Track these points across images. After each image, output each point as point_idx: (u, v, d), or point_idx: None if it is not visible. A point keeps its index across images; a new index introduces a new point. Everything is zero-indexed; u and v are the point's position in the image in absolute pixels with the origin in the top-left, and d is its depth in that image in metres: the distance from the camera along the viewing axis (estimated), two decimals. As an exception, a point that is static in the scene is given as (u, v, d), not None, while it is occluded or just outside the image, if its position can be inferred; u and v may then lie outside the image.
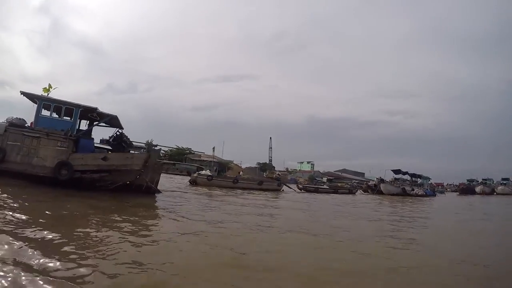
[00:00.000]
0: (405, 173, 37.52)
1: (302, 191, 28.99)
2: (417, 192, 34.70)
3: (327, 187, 35.25)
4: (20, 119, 10.65)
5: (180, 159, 59.11)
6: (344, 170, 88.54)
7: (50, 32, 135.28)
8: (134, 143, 13.69)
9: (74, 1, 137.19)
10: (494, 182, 57.78)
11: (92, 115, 11.35)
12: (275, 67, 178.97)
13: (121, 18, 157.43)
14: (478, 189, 50.59)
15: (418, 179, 40.20)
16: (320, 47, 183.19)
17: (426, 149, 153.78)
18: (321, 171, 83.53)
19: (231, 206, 11.98)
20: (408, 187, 34.89)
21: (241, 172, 35.54)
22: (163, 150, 66.13)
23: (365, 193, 34.39)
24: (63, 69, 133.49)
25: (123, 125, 12.79)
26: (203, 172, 25.08)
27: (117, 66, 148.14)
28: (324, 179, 72.60)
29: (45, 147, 10.18)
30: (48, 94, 11.16)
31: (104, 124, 12.70)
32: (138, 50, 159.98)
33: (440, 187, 60.77)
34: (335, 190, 32.04)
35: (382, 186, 32.89)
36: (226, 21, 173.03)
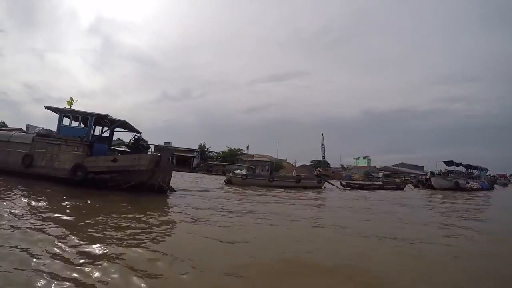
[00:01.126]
0: (458, 165, 33.24)
1: (346, 188, 26.96)
2: (471, 185, 30.34)
3: (379, 183, 32.59)
4: (46, 129, 11.86)
5: (233, 160, 60.77)
6: (402, 164, 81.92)
7: (102, 50, 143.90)
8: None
9: (121, 18, 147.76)
10: None
11: (104, 121, 12.21)
12: (325, 62, 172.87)
13: (168, 28, 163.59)
14: (544, 177, 42.41)
15: (475, 170, 35.33)
16: (368, 38, 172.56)
17: (489, 137, 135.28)
18: (377, 166, 78.66)
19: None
20: (462, 180, 30.73)
21: (294, 171, 35.02)
22: (215, 153, 69.34)
23: (416, 189, 30.97)
24: (117, 82, 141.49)
25: (139, 129, 13.52)
26: (237, 171, 25.23)
27: (169, 74, 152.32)
28: (380, 174, 68.46)
29: (64, 152, 11.14)
30: (71, 106, 12.32)
31: (123, 130, 13.64)
32: (188, 57, 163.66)
33: (503, 178, 52.22)
34: (381, 186, 29.51)
35: (433, 180, 29.49)
36: (271, 20, 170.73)
